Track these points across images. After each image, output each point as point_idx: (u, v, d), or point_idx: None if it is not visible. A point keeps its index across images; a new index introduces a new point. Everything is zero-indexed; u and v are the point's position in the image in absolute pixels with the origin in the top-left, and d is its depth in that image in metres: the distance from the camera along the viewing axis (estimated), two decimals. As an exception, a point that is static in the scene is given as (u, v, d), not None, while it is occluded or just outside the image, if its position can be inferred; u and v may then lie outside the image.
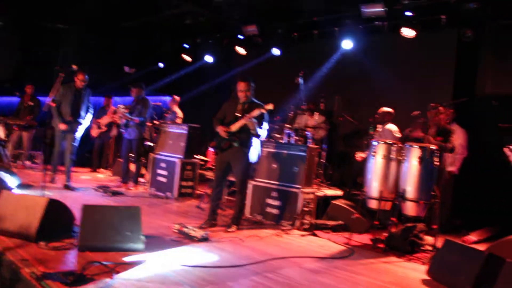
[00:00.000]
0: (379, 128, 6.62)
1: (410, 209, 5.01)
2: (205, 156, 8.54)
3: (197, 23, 9.59)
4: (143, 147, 8.14)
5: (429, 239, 5.12)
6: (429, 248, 4.98)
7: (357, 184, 6.72)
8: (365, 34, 8.14)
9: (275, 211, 6.05)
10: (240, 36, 9.79)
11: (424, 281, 4.02)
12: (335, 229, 5.68)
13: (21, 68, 10.55)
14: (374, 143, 5.33)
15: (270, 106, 5.13)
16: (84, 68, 7.08)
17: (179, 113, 9.30)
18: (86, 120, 7.15)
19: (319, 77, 8.65)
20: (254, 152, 5.43)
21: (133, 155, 7.77)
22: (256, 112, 5.12)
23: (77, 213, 4.17)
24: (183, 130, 7.45)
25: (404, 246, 4.90)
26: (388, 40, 8.03)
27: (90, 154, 9.88)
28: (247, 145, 5.28)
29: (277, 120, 7.62)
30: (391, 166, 5.17)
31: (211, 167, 8.43)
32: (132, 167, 7.91)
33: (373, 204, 5.25)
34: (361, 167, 6.45)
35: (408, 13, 7.37)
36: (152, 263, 3.70)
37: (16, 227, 3.98)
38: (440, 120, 5.95)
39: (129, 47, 11.04)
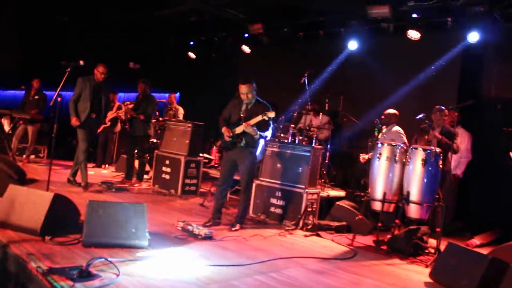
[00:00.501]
0: (384, 129, 6.62)
1: (413, 211, 5.03)
2: (209, 154, 8.55)
3: (203, 20, 9.59)
4: (148, 144, 8.15)
5: (432, 242, 5.12)
6: (432, 251, 4.98)
7: (361, 186, 6.73)
8: (370, 35, 8.15)
9: (278, 210, 6.06)
10: (245, 35, 9.80)
11: (427, 284, 4.03)
12: (338, 230, 5.69)
13: (27, 61, 10.53)
14: (379, 145, 5.34)
15: (271, 114, 5.10)
16: (89, 63, 7.01)
17: (180, 109, 9.39)
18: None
19: (324, 77, 8.63)
20: (258, 149, 5.43)
21: (136, 152, 7.78)
22: (255, 120, 5.11)
23: (82, 208, 4.18)
24: (187, 127, 7.47)
25: (407, 248, 4.90)
26: (394, 41, 8.02)
27: (95, 149, 9.88)
28: (253, 145, 5.29)
29: (282, 120, 7.62)
30: (395, 168, 5.19)
31: (215, 165, 8.46)
32: (136, 163, 7.92)
33: (376, 206, 5.27)
34: (364, 168, 6.47)
35: (414, 15, 7.37)
36: (157, 260, 3.72)
37: (22, 222, 3.99)
38: (444, 123, 5.97)
39: (134, 43, 11.03)
